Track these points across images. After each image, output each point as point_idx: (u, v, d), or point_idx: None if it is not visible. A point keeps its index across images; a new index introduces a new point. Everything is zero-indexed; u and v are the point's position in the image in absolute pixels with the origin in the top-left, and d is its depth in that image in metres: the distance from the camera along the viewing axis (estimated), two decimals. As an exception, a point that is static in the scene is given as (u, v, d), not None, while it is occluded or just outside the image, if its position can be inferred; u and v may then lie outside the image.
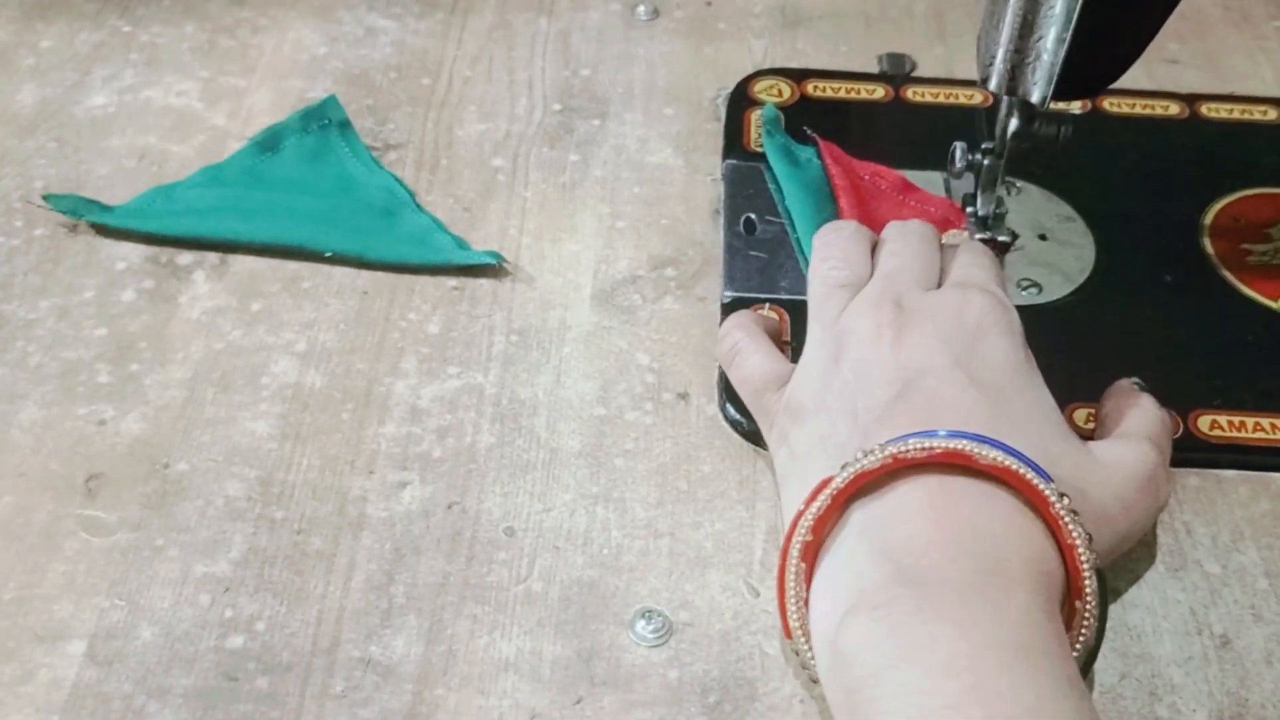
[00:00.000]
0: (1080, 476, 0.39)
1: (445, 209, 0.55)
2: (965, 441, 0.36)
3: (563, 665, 0.40)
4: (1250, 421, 0.47)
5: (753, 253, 0.53)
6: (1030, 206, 0.55)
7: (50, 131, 0.57)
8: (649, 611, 0.41)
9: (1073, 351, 0.46)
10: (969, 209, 0.52)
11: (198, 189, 0.54)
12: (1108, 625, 0.38)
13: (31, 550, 0.42)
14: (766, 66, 0.62)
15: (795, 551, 0.37)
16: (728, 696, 0.39)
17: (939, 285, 0.44)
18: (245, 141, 0.57)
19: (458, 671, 0.40)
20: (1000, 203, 0.52)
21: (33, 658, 0.40)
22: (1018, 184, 0.55)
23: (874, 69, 0.62)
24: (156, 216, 0.53)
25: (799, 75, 0.61)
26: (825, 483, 0.37)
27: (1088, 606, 0.36)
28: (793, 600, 0.38)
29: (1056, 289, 0.51)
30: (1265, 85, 0.63)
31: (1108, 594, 0.38)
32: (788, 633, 0.38)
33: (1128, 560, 0.43)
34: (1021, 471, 0.36)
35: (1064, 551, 0.36)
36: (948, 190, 0.55)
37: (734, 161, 0.57)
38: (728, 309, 0.50)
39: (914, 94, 0.60)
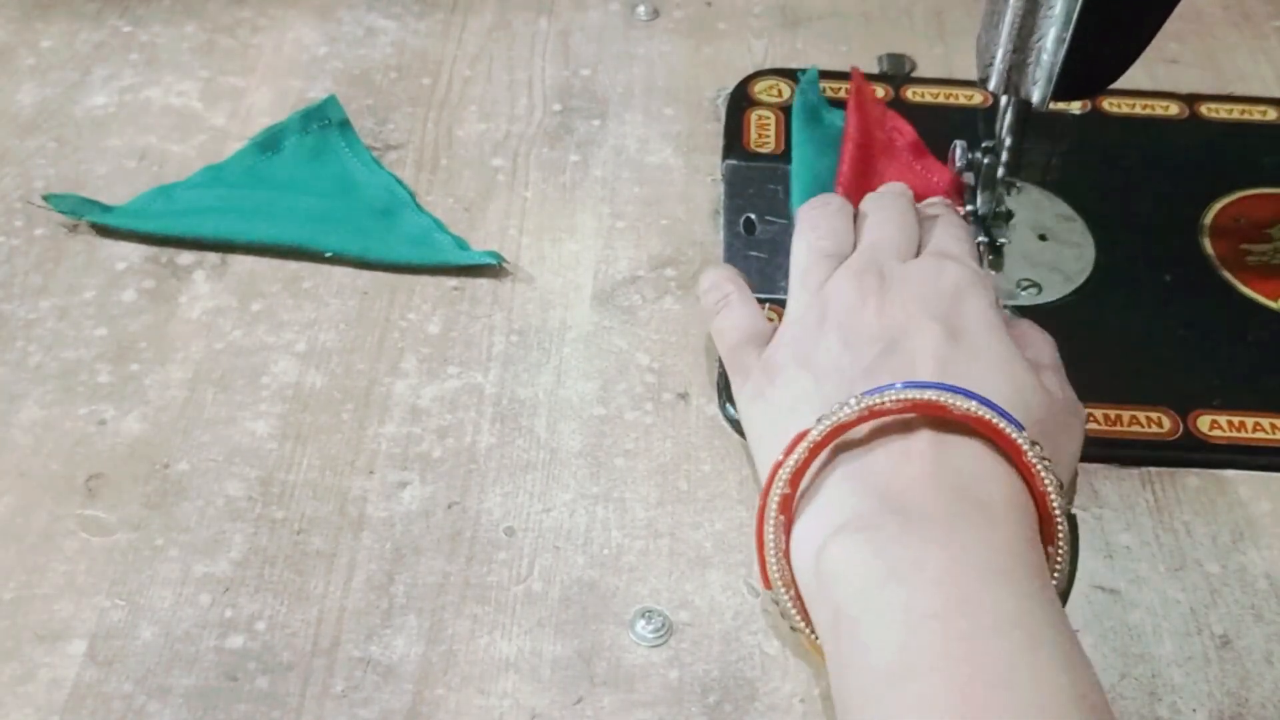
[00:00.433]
0: (1048, 419, 0.41)
1: (445, 209, 0.55)
2: (939, 392, 0.38)
3: (563, 665, 0.40)
4: (1250, 421, 0.47)
5: (752, 253, 0.53)
6: (1030, 206, 0.55)
7: (50, 131, 0.57)
8: (649, 611, 0.41)
9: (1073, 351, 0.46)
10: (969, 207, 0.52)
11: (198, 189, 0.54)
12: (1108, 625, 0.38)
13: (31, 550, 0.42)
14: (766, 66, 0.62)
15: (774, 503, 0.39)
16: (728, 696, 0.39)
17: (918, 254, 0.46)
18: (245, 141, 0.57)
19: (458, 671, 0.40)
20: (1000, 201, 0.52)
21: (33, 658, 0.40)
22: (1018, 184, 0.55)
23: (874, 69, 0.62)
24: (156, 216, 0.53)
25: (799, 75, 0.61)
26: (802, 435, 0.39)
27: (1060, 551, 0.38)
28: (772, 552, 0.39)
29: (1056, 289, 0.51)
30: (1265, 85, 0.63)
31: (1078, 539, 0.40)
32: (766, 583, 0.39)
33: (1128, 560, 0.43)
34: (995, 421, 0.38)
35: (1036, 498, 0.38)
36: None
37: (734, 162, 0.57)
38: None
39: (914, 94, 0.60)
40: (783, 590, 0.38)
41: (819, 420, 0.39)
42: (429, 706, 0.39)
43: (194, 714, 0.38)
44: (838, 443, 0.39)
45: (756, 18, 0.66)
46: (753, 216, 0.54)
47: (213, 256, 0.52)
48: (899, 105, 0.60)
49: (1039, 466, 0.38)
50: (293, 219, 0.53)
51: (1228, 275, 0.52)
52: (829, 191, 0.52)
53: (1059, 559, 0.38)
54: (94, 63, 0.61)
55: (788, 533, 0.39)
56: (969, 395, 0.38)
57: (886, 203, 0.49)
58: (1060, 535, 0.38)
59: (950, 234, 0.47)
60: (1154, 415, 0.47)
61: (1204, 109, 0.60)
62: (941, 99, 0.60)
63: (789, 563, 0.38)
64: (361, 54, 0.62)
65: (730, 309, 0.47)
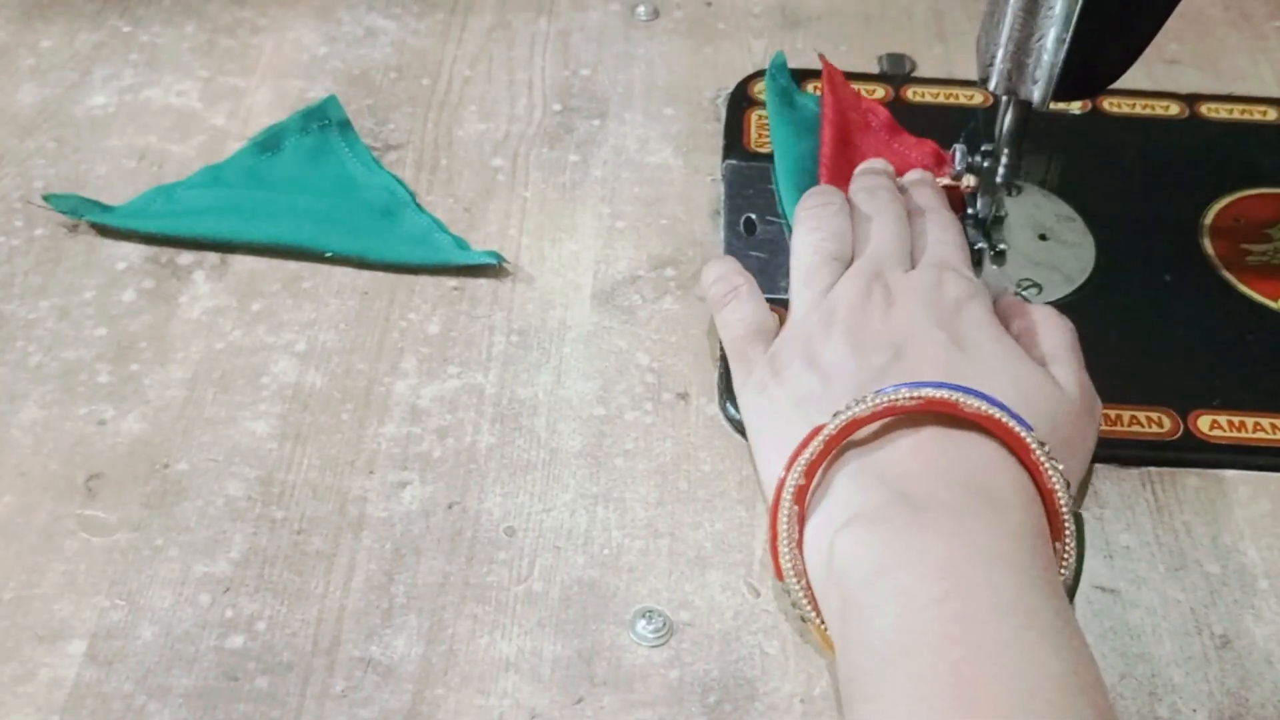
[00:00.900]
0: (1054, 411, 0.41)
1: (445, 209, 0.55)
2: (950, 391, 0.39)
3: (563, 665, 0.40)
4: (1250, 421, 0.47)
5: (753, 253, 0.53)
6: (1030, 206, 0.55)
7: (50, 131, 0.57)
8: (649, 611, 0.41)
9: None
10: (969, 210, 0.52)
11: (198, 189, 0.54)
12: (1108, 625, 0.38)
13: (31, 550, 0.42)
14: (766, 67, 0.62)
15: (789, 495, 0.39)
16: (728, 696, 0.39)
17: (910, 251, 0.48)
18: (245, 141, 0.57)
19: (458, 671, 0.40)
20: (1000, 204, 0.52)
21: (33, 657, 0.40)
22: (1018, 184, 0.55)
23: (874, 69, 0.62)
24: (156, 216, 0.53)
25: (799, 76, 0.61)
26: (817, 430, 0.40)
27: (1067, 548, 0.39)
28: (785, 542, 0.39)
29: (1056, 289, 0.51)
30: (1265, 85, 0.63)
31: (1085, 537, 0.40)
32: (779, 574, 0.40)
33: (1128, 560, 0.43)
34: (1003, 419, 0.39)
35: (1044, 496, 0.39)
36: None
37: (734, 161, 0.57)
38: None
39: (914, 94, 0.60)
40: (794, 581, 0.39)
41: (835, 415, 0.40)
42: (429, 706, 0.39)
43: (194, 714, 0.38)
44: (847, 440, 0.40)
45: (756, 18, 0.66)
46: (753, 216, 0.54)
47: (213, 256, 0.52)
48: (899, 105, 0.60)
49: (1046, 465, 0.39)
50: (293, 219, 0.53)
51: (1228, 275, 0.52)
52: (812, 173, 0.53)
53: (1066, 555, 0.39)
54: (94, 63, 0.61)
55: (801, 524, 0.40)
56: (978, 395, 0.39)
57: (880, 205, 0.49)
58: (1067, 532, 0.39)
59: (944, 239, 0.48)
60: (1154, 415, 0.47)
61: (1204, 109, 0.60)
62: (941, 99, 0.60)
63: (801, 554, 0.39)
64: (361, 54, 0.62)
65: (739, 302, 0.47)
